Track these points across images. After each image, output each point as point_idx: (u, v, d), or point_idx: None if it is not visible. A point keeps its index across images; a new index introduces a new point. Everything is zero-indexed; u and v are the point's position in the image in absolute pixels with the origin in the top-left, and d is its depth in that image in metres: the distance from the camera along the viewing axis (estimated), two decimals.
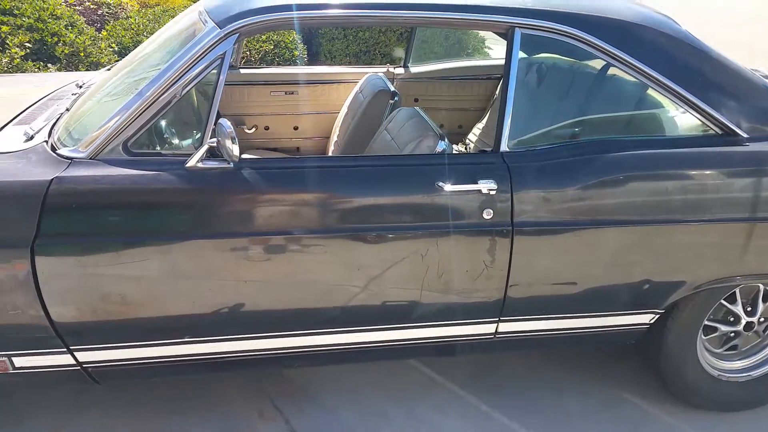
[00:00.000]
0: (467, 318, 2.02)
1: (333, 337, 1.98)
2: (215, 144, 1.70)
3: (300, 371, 2.48)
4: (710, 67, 1.97)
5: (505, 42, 1.92)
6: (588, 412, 2.34)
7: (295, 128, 3.48)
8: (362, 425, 2.24)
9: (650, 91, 2.01)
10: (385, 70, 3.40)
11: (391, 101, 2.82)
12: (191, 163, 1.72)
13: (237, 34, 1.78)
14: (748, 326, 2.26)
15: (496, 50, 6.43)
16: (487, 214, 1.85)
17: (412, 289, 1.90)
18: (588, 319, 2.08)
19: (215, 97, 1.74)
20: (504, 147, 1.89)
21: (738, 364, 2.34)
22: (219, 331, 1.88)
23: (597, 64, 2.12)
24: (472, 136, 3.44)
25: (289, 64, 5.65)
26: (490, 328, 2.06)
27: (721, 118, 1.93)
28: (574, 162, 1.87)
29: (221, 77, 1.75)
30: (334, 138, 3.18)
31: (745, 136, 1.94)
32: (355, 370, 2.48)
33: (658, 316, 2.10)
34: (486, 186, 1.82)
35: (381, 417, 2.28)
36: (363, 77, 3.09)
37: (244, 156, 1.78)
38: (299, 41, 6.04)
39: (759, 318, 2.26)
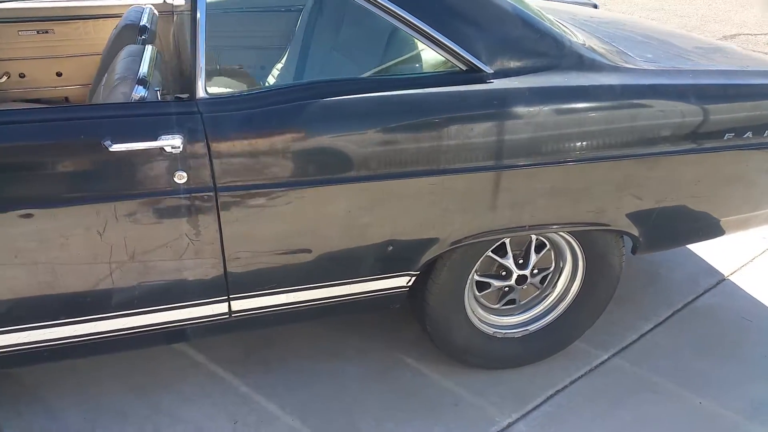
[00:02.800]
0: (189, 300, 1.71)
1: (22, 335, 1.62)
2: None
3: (30, 370, 2.10)
4: None
5: None
6: (364, 381, 2.14)
7: (59, 74, 2.95)
8: (88, 427, 1.92)
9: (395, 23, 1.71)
10: (161, 1, 2.91)
11: (141, 37, 2.37)
12: None
13: None
14: (521, 280, 2.10)
15: None
16: (180, 178, 1.51)
17: (98, 274, 1.56)
18: (334, 288, 1.82)
19: None
20: (201, 92, 1.54)
21: (515, 319, 2.20)
22: None
23: None
24: (271, 79, 3.07)
25: None
26: (221, 308, 1.76)
27: (461, 52, 1.67)
28: (286, 109, 1.55)
29: None
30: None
31: (489, 71, 1.69)
32: (98, 362, 2.13)
33: (414, 277, 1.88)
34: (168, 142, 1.47)
35: (117, 416, 1.97)
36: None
37: None
38: None
39: (532, 270, 2.11)
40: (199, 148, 1.50)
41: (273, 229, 1.64)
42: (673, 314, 2.59)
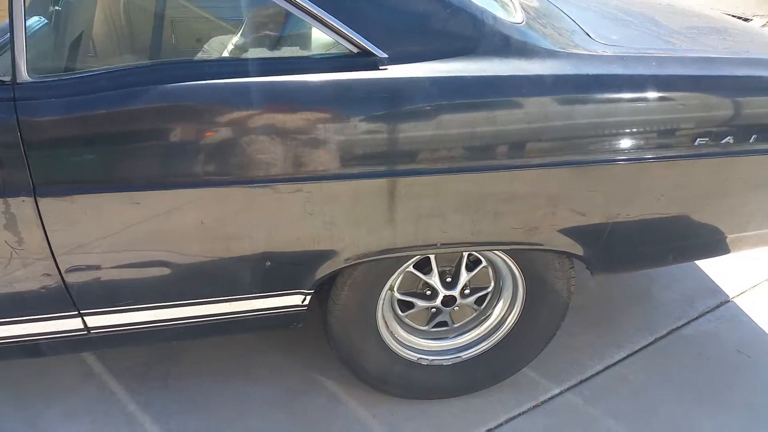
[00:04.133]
0: (35, 313, 1.49)
1: None
2: None
3: None
4: None
5: None
6: (268, 407, 1.88)
7: None
8: None
9: None
10: None
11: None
12: None
13: None
14: (448, 301, 1.79)
15: None
16: None
17: None
18: (212, 305, 1.56)
19: None
20: (24, 75, 1.28)
21: (447, 344, 1.89)
22: None
23: None
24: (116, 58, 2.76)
25: None
26: (75, 324, 1.54)
27: (346, 31, 1.35)
28: (116, 96, 1.28)
29: None
30: None
31: (383, 56, 1.36)
32: None
33: (308, 296, 1.60)
34: None
35: None
36: None
37: None
38: None
39: (462, 290, 1.79)
40: (12, 140, 1.26)
41: (109, 239, 1.38)
42: (653, 342, 2.22)
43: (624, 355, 2.14)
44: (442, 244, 1.54)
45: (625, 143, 1.46)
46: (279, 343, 2.10)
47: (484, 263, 1.78)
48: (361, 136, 1.35)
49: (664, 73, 1.46)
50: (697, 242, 1.73)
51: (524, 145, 1.41)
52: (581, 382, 2.03)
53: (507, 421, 1.87)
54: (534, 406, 1.93)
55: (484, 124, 1.38)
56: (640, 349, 2.17)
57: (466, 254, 1.75)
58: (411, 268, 1.73)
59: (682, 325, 2.30)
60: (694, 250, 1.77)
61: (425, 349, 1.87)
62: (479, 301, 1.86)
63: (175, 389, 1.93)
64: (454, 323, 1.89)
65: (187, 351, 2.07)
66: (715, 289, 2.49)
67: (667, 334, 2.26)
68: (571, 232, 1.58)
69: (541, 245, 1.59)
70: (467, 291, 1.80)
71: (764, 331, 2.27)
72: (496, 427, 1.85)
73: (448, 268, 1.78)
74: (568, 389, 2.00)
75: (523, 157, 1.42)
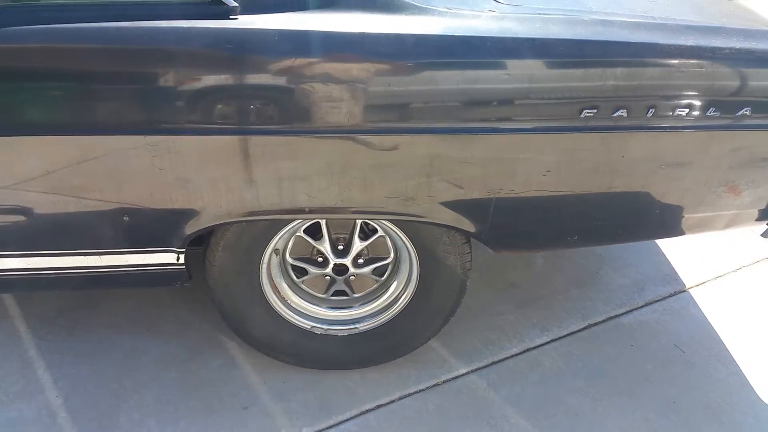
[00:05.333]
0: None
1: None
2: None
3: None
4: None
5: None
6: (162, 365, 1.87)
7: None
8: None
9: None
10: None
11: None
12: None
13: None
14: (341, 270, 1.72)
15: None
16: None
17: None
18: (79, 257, 1.54)
19: None
20: None
21: (345, 314, 1.83)
22: None
23: None
24: None
25: None
26: None
27: None
28: None
29: None
30: None
31: (233, 4, 1.27)
32: None
33: (181, 255, 1.56)
34: None
35: None
36: None
37: None
38: None
39: (356, 259, 1.72)
40: None
41: None
42: (585, 328, 2.09)
43: (547, 340, 2.03)
44: (310, 210, 1.47)
45: (501, 112, 1.34)
46: (194, 302, 2.08)
47: (380, 233, 1.70)
48: (206, 89, 1.28)
49: (544, 36, 1.31)
50: (602, 224, 1.59)
51: (382, 108, 1.31)
52: (492, 364, 1.93)
53: (400, 399, 1.80)
54: (434, 385, 1.85)
55: (339, 84, 1.28)
56: (568, 335, 2.06)
57: (359, 222, 1.67)
58: (301, 233, 1.67)
59: (623, 313, 2.16)
60: (602, 233, 1.63)
61: (321, 317, 1.81)
62: (379, 273, 1.78)
63: (78, 338, 1.95)
64: (354, 293, 1.82)
65: (103, 302, 2.08)
66: (672, 277, 2.33)
67: (603, 321, 2.13)
68: (453, 206, 1.47)
69: (422, 217, 1.49)
70: (361, 260, 1.72)
71: (712, 327, 2.11)
72: (386, 404, 1.79)
73: (343, 236, 1.71)
74: (476, 370, 1.91)
75: (382, 121, 1.32)
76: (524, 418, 1.76)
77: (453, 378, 1.88)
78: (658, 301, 2.22)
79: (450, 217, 1.49)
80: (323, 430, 1.71)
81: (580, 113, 1.34)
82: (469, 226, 1.52)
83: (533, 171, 1.42)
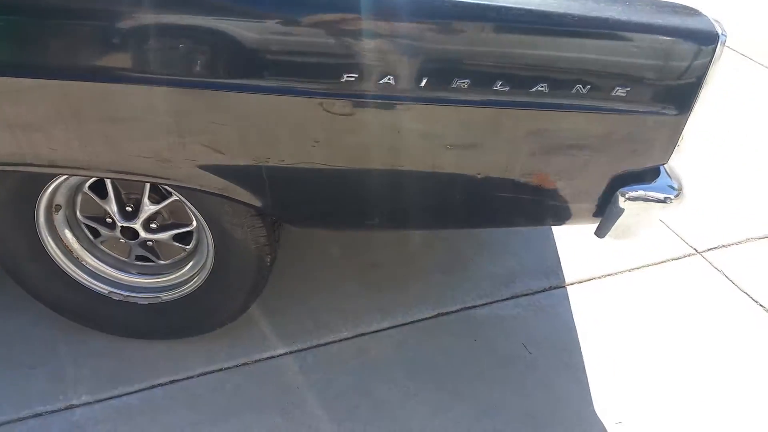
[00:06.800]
0: None
1: None
2: None
3: None
4: None
5: None
6: None
7: None
8: None
9: None
10: None
11: None
12: None
13: None
14: (130, 233, 1.59)
15: None
16: None
17: None
18: None
19: None
20: None
21: (149, 281, 1.70)
22: None
23: None
24: None
25: None
26: None
27: None
28: None
29: None
30: None
31: None
32: None
33: None
34: None
35: None
36: None
37: None
38: None
39: (148, 224, 1.58)
40: None
41: None
42: (433, 317, 1.94)
43: (386, 326, 1.88)
44: (40, 165, 1.31)
45: (245, 69, 1.16)
46: None
47: (175, 197, 1.55)
48: None
49: None
50: (397, 207, 1.42)
51: (106, 51, 1.15)
52: (314, 347, 1.80)
53: (199, 375, 1.69)
54: (242, 364, 1.73)
55: (57, 20, 1.12)
56: (410, 323, 1.90)
57: (149, 183, 1.53)
58: (87, 190, 1.54)
59: (482, 305, 1.99)
60: (402, 217, 1.46)
61: (123, 283, 1.69)
62: (184, 241, 1.64)
63: None
64: (161, 260, 1.69)
65: None
66: (552, 271, 2.14)
67: (456, 311, 1.97)
68: (217, 172, 1.31)
69: (183, 182, 1.34)
70: (154, 225, 1.59)
71: (574, 330, 1.93)
72: (182, 380, 1.68)
73: (135, 197, 1.57)
74: (294, 352, 1.78)
75: (109, 66, 1.16)
76: (322, 407, 1.63)
77: (266, 358, 1.75)
78: (526, 295, 2.05)
79: (217, 185, 1.34)
80: (104, 400, 1.61)
81: (341, 77, 1.16)
82: (247, 198, 1.37)
83: (300, 141, 1.25)
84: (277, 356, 1.76)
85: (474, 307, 1.99)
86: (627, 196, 1.33)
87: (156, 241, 1.63)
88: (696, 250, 2.26)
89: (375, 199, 1.39)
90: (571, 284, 2.11)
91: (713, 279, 2.14)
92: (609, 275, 2.15)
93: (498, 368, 1.78)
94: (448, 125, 1.24)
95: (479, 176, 1.33)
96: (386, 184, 1.35)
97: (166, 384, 1.66)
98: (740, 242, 2.32)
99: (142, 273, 1.71)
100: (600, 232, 1.45)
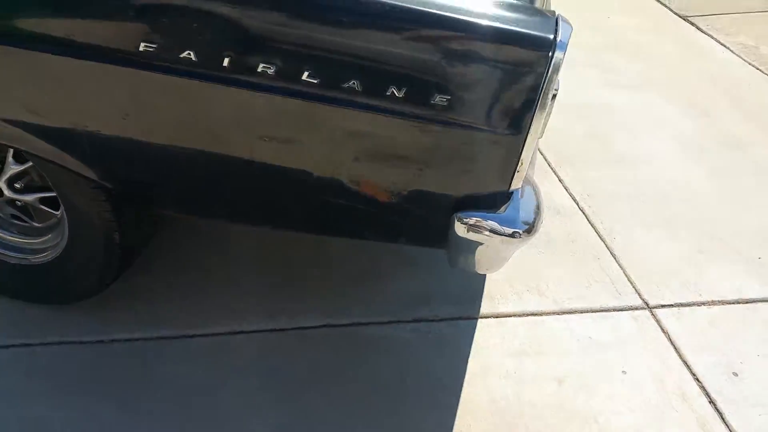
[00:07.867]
0: None
1: None
2: None
3: None
4: None
5: None
6: None
7: None
8: None
9: None
10: None
11: None
12: None
13: None
14: None
15: None
16: None
17: None
18: None
19: None
20: None
21: (21, 241, 1.68)
22: None
23: None
24: None
25: None
26: None
27: None
28: None
29: None
30: None
31: None
32: None
33: None
34: None
35: None
36: None
37: None
38: None
39: (12, 183, 1.55)
40: None
41: None
42: (317, 327, 1.82)
43: (263, 328, 1.78)
44: None
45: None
46: None
47: None
48: None
49: None
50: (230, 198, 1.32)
51: None
52: (178, 337, 1.72)
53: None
54: (97, 341, 1.68)
55: None
56: (292, 329, 1.79)
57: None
58: None
59: (376, 323, 1.85)
60: (238, 209, 1.36)
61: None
62: (53, 205, 1.61)
63: None
64: (34, 222, 1.67)
65: None
66: (469, 300, 1.96)
67: (346, 325, 1.83)
68: (39, 134, 1.26)
69: (11, 143, 1.31)
70: (19, 186, 1.56)
71: (462, 366, 1.74)
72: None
73: (2, 155, 1.55)
74: (156, 338, 1.70)
75: None
76: (161, 401, 1.54)
77: (124, 340, 1.69)
78: (429, 321, 1.88)
79: (43, 148, 1.29)
80: None
81: (138, 46, 1.09)
82: (76, 167, 1.31)
83: (111, 111, 1.18)
84: (135, 340, 1.70)
85: (367, 324, 1.85)
86: (463, 221, 1.18)
87: (21, 202, 1.60)
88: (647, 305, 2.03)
89: (199, 183, 1.30)
90: (485, 317, 1.93)
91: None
92: (532, 314, 1.95)
93: (363, 394, 1.64)
94: (256, 111, 1.13)
95: (303, 174, 1.21)
96: (202, 168, 1.25)
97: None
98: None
99: (22, 233, 1.70)
100: (449, 260, 1.30)
